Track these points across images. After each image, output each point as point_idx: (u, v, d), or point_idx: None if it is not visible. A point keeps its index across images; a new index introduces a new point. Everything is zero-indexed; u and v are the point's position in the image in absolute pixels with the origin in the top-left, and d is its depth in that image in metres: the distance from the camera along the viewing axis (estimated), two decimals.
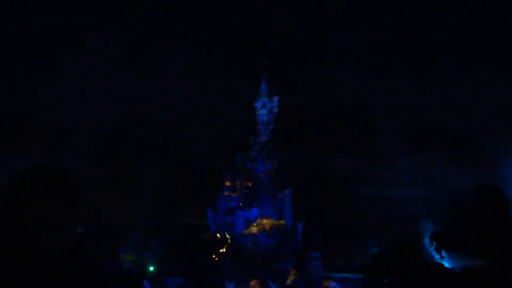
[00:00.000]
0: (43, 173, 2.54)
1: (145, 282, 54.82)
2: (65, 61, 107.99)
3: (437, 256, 38.20)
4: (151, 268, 61.75)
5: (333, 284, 55.52)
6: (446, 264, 38.37)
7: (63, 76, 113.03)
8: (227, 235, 67.95)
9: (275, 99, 74.94)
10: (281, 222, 70.88)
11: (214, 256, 63.56)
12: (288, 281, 62.52)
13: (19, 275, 2.33)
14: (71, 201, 2.55)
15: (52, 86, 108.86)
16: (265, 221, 69.18)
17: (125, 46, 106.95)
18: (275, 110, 74.84)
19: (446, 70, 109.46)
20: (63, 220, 2.50)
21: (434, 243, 36.50)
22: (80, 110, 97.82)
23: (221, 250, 64.81)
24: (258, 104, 75.26)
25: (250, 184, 72.06)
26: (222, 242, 66.56)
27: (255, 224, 67.87)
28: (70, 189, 2.56)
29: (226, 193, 72.88)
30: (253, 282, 60.94)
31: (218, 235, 68.56)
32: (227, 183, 73.36)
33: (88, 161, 75.14)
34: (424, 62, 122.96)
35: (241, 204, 70.64)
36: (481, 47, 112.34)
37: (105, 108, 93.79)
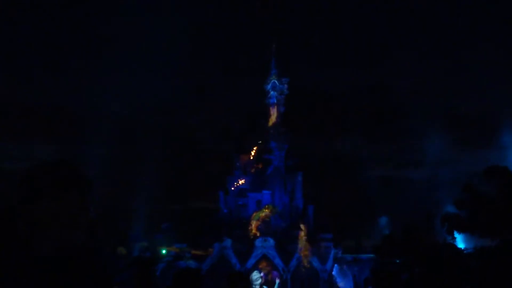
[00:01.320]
0: (53, 171, 2.52)
1: (159, 266, 55.21)
2: (77, 50, 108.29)
3: (448, 237, 38.21)
4: (163, 251, 62.11)
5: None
6: (458, 245, 38.40)
7: (73, 64, 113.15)
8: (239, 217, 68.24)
9: (285, 80, 74.80)
10: (292, 204, 71.05)
11: (225, 238, 63.75)
12: (300, 262, 62.73)
13: (27, 273, 2.34)
14: (80, 199, 2.54)
15: (61, 74, 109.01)
16: (276, 203, 69.33)
17: (130, 27, 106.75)
18: (285, 92, 74.75)
19: (459, 49, 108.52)
20: (72, 219, 2.49)
21: (445, 224, 36.49)
22: (90, 97, 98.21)
23: (233, 232, 65.00)
24: (268, 87, 75.17)
25: (260, 167, 72.12)
26: (233, 224, 66.80)
27: (266, 206, 67.98)
28: (79, 188, 2.55)
29: (236, 176, 73.05)
30: (263, 264, 61.11)
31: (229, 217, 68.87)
32: (238, 166, 73.53)
33: (99, 147, 75.27)
34: (436, 40, 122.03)
35: (252, 186, 70.78)
36: (493, 25, 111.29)
37: (113, 94, 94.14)
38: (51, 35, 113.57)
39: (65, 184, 2.57)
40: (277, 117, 74.52)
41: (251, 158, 73.55)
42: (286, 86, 74.67)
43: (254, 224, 66.15)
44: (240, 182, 71.97)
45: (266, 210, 67.35)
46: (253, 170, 72.65)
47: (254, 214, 67.12)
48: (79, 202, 2.59)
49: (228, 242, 62.73)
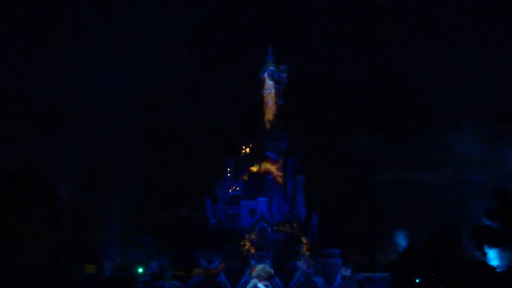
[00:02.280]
0: (15, 180, 1.99)
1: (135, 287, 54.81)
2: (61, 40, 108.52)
3: (478, 253, 37.82)
4: (140, 270, 61.66)
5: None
6: (489, 262, 38.00)
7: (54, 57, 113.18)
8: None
9: (284, 68, 74.21)
10: (293, 213, 70.62)
11: (214, 254, 63.33)
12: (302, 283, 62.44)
13: None
14: (45, 209, 1.99)
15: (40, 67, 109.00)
16: (274, 211, 68.96)
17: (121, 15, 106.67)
18: (284, 81, 74.17)
19: (490, 36, 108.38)
20: (37, 230, 1.95)
21: (474, 237, 36.08)
22: (73, 91, 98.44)
23: (223, 247, 64.55)
24: (264, 75, 74.49)
25: (255, 169, 71.68)
26: (223, 237, 66.31)
27: (261, 216, 67.52)
28: (44, 197, 2.00)
29: (228, 180, 72.62)
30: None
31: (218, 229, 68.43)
32: (229, 169, 73.08)
33: (74, 147, 75.02)
34: (461, 27, 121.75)
35: (245, 192, 70.29)
36: None
37: (95, 88, 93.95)
38: (25, 24, 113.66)
39: (27, 196, 1.97)
40: (275, 111, 73.92)
41: (244, 159, 73.06)
42: (285, 74, 74.11)
43: (248, 238, 65.77)
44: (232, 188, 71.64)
45: (262, 221, 66.99)
46: (246, 175, 72.23)
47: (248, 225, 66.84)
48: (42, 217, 1.97)
49: (217, 260, 62.34)
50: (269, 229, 66.67)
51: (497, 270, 36.82)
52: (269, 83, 73.98)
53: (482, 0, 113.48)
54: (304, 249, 63.70)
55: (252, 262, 61.59)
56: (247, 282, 52.82)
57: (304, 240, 64.97)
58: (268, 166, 70.93)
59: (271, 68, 73.92)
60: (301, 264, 62.37)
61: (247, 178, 71.60)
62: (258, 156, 72.06)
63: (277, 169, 71.16)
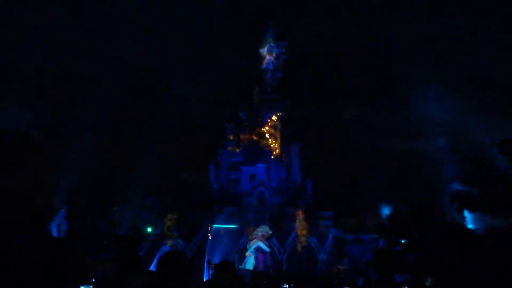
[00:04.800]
0: (4, 141, 2.45)
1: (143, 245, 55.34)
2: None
3: (458, 216, 38.31)
4: (149, 229, 62.20)
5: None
6: (468, 225, 38.50)
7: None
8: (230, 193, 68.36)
9: (283, 44, 74.41)
10: (289, 178, 71.17)
11: (216, 215, 63.84)
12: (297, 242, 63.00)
13: None
14: (35, 169, 2.47)
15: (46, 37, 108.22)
16: (271, 177, 69.44)
17: None
18: (283, 56, 74.41)
19: (476, 8, 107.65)
20: (28, 191, 2.43)
21: (455, 202, 36.53)
22: (80, 61, 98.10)
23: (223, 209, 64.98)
24: (263, 50, 74.72)
25: (255, 138, 72.07)
26: (225, 200, 66.80)
27: (260, 181, 68.07)
28: (33, 157, 2.48)
29: (229, 148, 72.99)
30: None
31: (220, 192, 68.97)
32: (230, 137, 73.45)
33: (85, 114, 75.23)
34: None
35: (245, 159, 70.77)
36: None
37: (102, 59, 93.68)
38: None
39: (17, 152, 2.49)
40: (274, 84, 74.23)
41: (245, 128, 73.40)
42: (283, 50, 74.34)
43: (247, 199, 66.29)
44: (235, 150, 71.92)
45: (261, 185, 67.41)
46: (246, 141, 72.61)
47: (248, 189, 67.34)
48: (34, 172, 2.51)
49: (219, 220, 62.89)
50: (267, 193, 67.35)
51: (476, 232, 37.28)
52: (269, 58, 74.28)
53: None
54: (299, 212, 64.21)
55: (251, 223, 62.28)
56: (246, 241, 53.71)
57: (299, 203, 65.51)
58: (267, 135, 71.43)
59: (270, 44, 74.20)
60: (297, 226, 63.02)
61: (247, 146, 72.03)
62: (257, 126, 72.50)
63: (275, 137, 71.65)
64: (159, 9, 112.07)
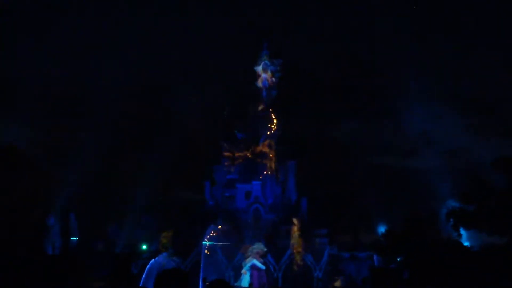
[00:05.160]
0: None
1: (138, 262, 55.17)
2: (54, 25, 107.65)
3: (454, 234, 38.31)
4: (144, 247, 62.06)
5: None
6: (464, 242, 38.51)
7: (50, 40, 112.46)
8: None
9: (278, 62, 74.59)
10: (284, 196, 71.08)
11: (211, 233, 63.65)
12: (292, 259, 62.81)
13: None
14: (29, 185, 2.44)
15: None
16: (267, 194, 69.32)
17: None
18: (278, 74, 74.55)
19: (473, 30, 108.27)
20: (22, 208, 2.41)
21: (451, 219, 36.55)
22: (75, 75, 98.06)
23: (219, 227, 64.82)
24: (258, 68, 74.88)
25: (250, 155, 72.02)
26: (220, 217, 66.64)
27: (256, 198, 67.94)
28: (28, 174, 2.46)
29: (225, 165, 72.87)
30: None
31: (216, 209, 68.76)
32: (226, 154, 73.36)
33: (77, 132, 75.22)
34: (448, 19, 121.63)
35: (240, 176, 70.69)
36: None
37: (93, 74, 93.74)
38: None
39: (12, 172, 2.45)
40: (269, 101, 74.32)
41: (240, 145, 73.36)
42: (279, 67, 74.49)
43: (243, 217, 66.16)
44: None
45: (256, 202, 67.29)
46: (241, 159, 72.51)
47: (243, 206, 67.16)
48: (29, 194, 2.47)
49: (214, 238, 62.69)
50: (263, 210, 67.18)
51: (472, 250, 37.31)
52: (264, 76, 74.39)
53: None
54: (294, 229, 64.05)
55: (247, 240, 62.11)
56: (242, 259, 53.50)
57: (294, 221, 65.36)
58: (262, 152, 71.36)
59: (266, 62, 74.35)
60: (292, 243, 62.82)
61: (242, 163, 71.94)
62: (253, 143, 72.47)
63: (271, 155, 71.58)
64: (151, 25, 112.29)
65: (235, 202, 69.35)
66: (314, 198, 70.82)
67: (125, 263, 47.85)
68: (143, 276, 57.43)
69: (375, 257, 59.94)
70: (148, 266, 58.97)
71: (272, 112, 73.79)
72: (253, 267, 59.32)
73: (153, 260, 59.81)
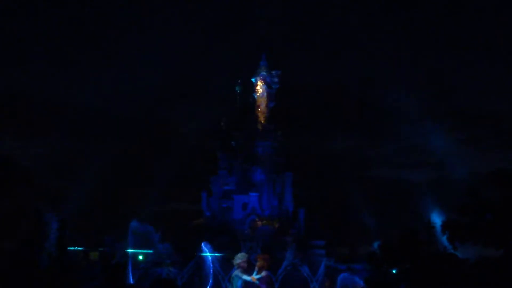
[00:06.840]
0: None
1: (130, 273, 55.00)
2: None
3: (449, 246, 38.20)
4: (140, 257, 61.79)
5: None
6: (459, 255, 38.41)
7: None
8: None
9: (276, 73, 74.50)
10: (281, 207, 70.97)
11: (208, 244, 63.49)
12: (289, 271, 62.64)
13: None
14: (21, 196, 2.45)
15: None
16: (264, 205, 69.23)
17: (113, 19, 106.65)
18: (275, 86, 74.44)
19: (466, 45, 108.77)
20: (13, 219, 2.41)
21: (446, 231, 36.48)
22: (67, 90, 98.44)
23: (215, 238, 64.65)
24: (256, 79, 74.79)
25: (247, 166, 71.97)
26: (217, 228, 66.51)
27: (252, 209, 67.86)
28: (20, 185, 2.47)
29: (221, 176, 72.78)
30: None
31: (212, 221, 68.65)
32: (223, 165, 73.27)
33: (74, 143, 75.33)
34: (440, 36, 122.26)
35: (237, 187, 70.61)
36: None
37: (91, 87, 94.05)
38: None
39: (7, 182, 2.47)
40: (266, 113, 74.20)
41: (237, 156, 73.29)
42: (276, 79, 74.43)
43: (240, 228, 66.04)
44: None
45: (253, 214, 67.13)
46: (238, 170, 72.44)
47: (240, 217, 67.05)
48: (20, 205, 2.48)
49: (211, 248, 62.52)
50: (259, 221, 67.07)
51: (467, 262, 37.25)
52: (262, 87, 74.29)
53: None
54: (291, 241, 63.93)
55: (243, 251, 61.85)
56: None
57: (291, 232, 65.26)
58: (259, 164, 71.30)
59: (263, 73, 74.25)
60: (289, 254, 62.64)
61: (239, 175, 71.87)
62: (250, 154, 72.40)
63: (268, 166, 71.50)
64: (159, 42, 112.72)
65: (232, 213, 69.25)
66: (311, 209, 70.79)
67: (119, 273, 47.53)
68: None
69: (371, 269, 59.86)
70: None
71: (270, 123, 73.67)
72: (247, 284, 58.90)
73: (150, 270, 59.60)
